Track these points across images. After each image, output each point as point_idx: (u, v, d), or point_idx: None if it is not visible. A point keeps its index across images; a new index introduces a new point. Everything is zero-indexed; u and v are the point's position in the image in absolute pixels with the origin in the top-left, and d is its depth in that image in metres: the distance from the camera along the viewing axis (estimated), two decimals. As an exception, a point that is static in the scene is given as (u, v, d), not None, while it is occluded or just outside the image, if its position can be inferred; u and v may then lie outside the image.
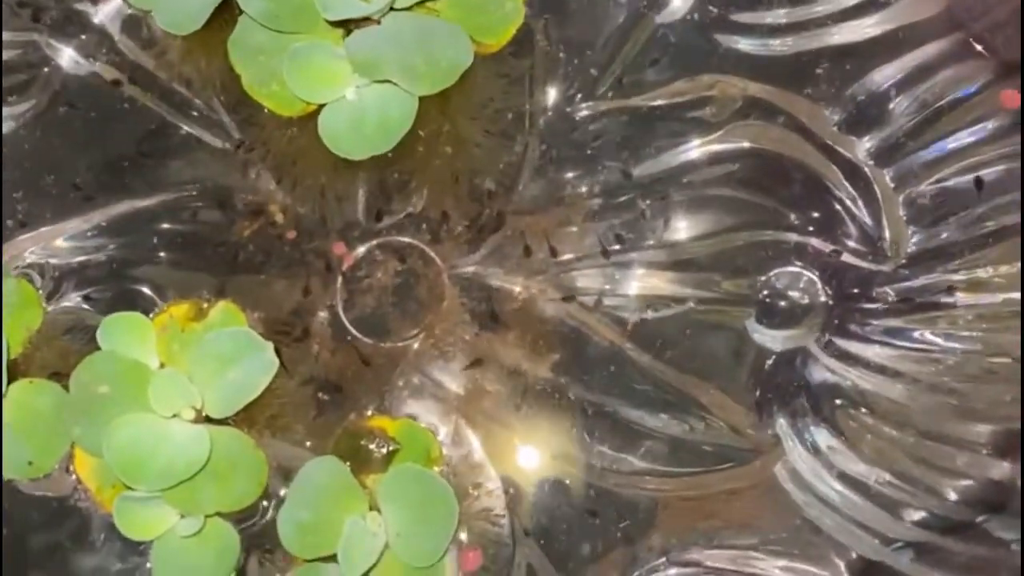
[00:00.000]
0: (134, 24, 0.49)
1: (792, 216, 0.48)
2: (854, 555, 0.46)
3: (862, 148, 0.48)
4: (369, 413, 0.47)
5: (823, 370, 0.47)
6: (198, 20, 0.46)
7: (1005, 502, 0.45)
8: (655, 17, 0.49)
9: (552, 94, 0.48)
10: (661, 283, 0.48)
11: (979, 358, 0.46)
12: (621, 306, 0.47)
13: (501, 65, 0.48)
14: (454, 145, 0.48)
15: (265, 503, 0.46)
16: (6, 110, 0.48)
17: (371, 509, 0.45)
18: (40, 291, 0.47)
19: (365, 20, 0.46)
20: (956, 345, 0.47)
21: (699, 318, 0.47)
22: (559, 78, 0.48)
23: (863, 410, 0.47)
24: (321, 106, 0.46)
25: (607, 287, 0.48)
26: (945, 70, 0.48)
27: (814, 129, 0.48)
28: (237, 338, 0.45)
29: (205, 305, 0.46)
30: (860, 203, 0.47)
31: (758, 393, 0.47)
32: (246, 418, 0.45)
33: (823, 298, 0.47)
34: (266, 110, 0.47)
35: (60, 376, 0.45)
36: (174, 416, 0.44)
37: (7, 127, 0.48)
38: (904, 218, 0.47)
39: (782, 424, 0.47)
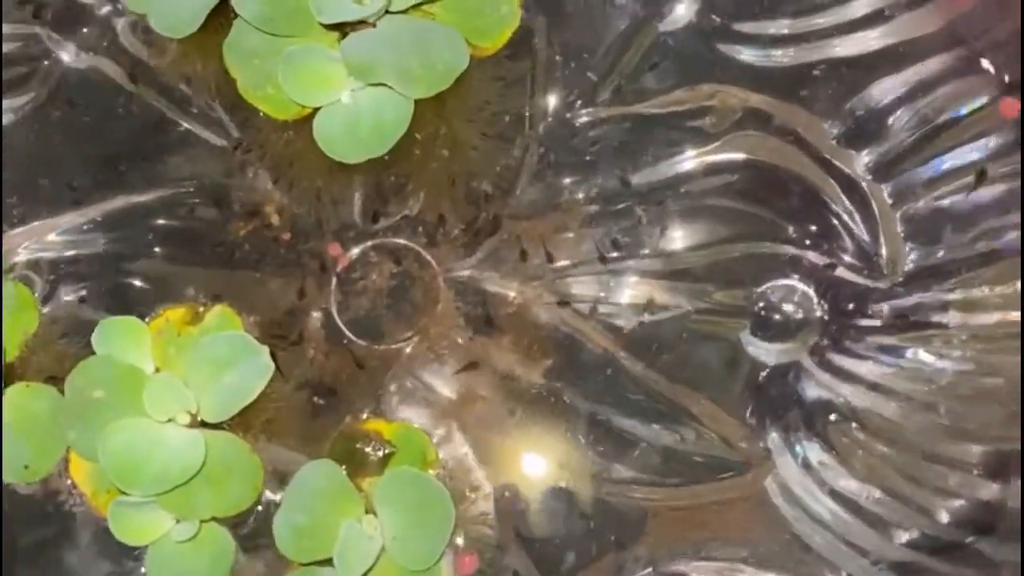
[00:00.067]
0: (136, 19, 0.48)
1: (789, 229, 0.47)
2: (844, 574, 0.45)
3: (861, 162, 0.47)
4: (364, 416, 0.46)
5: (816, 385, 0.47)
6: (193, 23, 0.45)
7: (995, 523, 0.45)
8: (658, 25, 0.48)
9: (552, 99, 0.48)
10: (657, 292, 0.47)
11: (972, 378, 0.46)
12: (616, 314, 0.47)
13: (497, 68, 0.48)
14: (450, 148, 0.48)
15: (261, 507, 0.45)
16: (4, 103, 0.48)
17: (367, 512, 0.44)
18: (36, 293, 0.46)
19: (360, 23, 0.45)
20: (949, 365, 0.46)
21: (694, 328, 0.47)
22: (560, 83, 0.48)
23: (855, 426, 0.46)
24: (316, 109, 0.46)
25: (602, 294, 0.47)
26: (945, 86, 0.47)
27: (813, 142, 0.47)
28: (233, 342, 0.44)
29: (201, 309, 0.46)
30: (857, 218, 0.47)
31: (751, 406, 0.47)
32: (241, 422, 0.45)
33: (818, 313, 0.47)
34: (261, 113, 0.47)
35: (56, 380, 0.44)
36: (169, 421, 0.43)
37: (5, 120, 0.48)
38: (902, 235, 0.47)
39: (774, 438, 0.46)
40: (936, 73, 0.47)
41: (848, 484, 0.46)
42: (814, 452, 0.46)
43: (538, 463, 0.46)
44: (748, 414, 0.46)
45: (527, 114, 0.48)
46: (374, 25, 0.45)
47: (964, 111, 0.47)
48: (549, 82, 0.48)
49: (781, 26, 0.48)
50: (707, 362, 0.47)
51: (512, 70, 0.48)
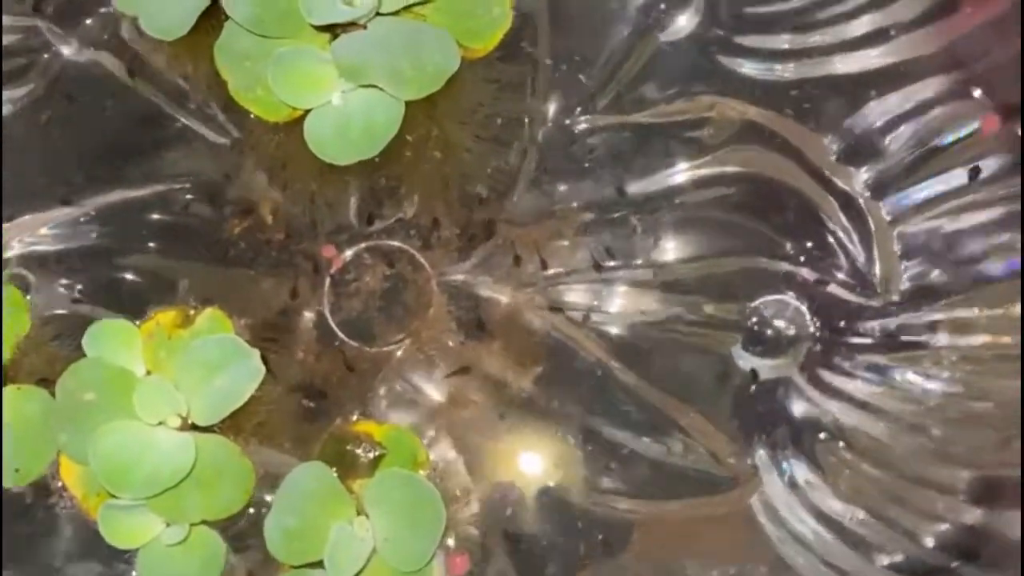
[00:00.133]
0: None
1: (784, 244, 0.47)
2: None
3: (859, 180, 0.47)
4: (355, 418, 0.46)
5: (806, 402, 0.46)
6: (184, 26, 0.45)
7: (980, 549, 0.45)
8: (659, 35, 0.47)
9: (552, 105, 0.47)
10: (650, 302, 0.47)
11: (961, 401, 0.45)
12: (608, 323, 0.47)
13: (489, 70, 0.47)
14: (443, 150, 0.47)
15: (252, 510, 0.45)
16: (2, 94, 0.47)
17: (358, 514, 0.44)
18: (29, 290, 0.46)
19: (351, 25, 0.44)
20: (938, 386, 0.46)
21: (686, 341, 0.46)
22: (560, 90, 0.47)
23: (843, 445, 0.46)
24: (307, 111, 0.45)
25: (595, 303, 0.47)
26: (944, 107, 0.47)
27: (811, 157, 0.47)
28: (223, 345, 0.44)
29: (192, 312, 0.45)
30: (854, 235, 0.46)
31: (739, 421, 0.46)
32: (232, 425, 0.44)
33: (810, 329, 0.46)
34: (253, 115, 0.46)
35: (48, 382, 0.44)
36: (160, 424, 0.43)
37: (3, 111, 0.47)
38: (898, 254, 0.46)
39: (761, 455, 0.46)
40: (935, 94, 0.47)
41: (833, 504, 0.46)
42: (801, 471, 0.46)
43: (526, 469, 0.46)
44: (737, 429, 0.46)
45: (526, 120, 0.47)
46: (365, 27, 0.45)
47: (962, 133, 0.46)
48: (549, 88, 0.47)
49: (782, 41, 0.47)
50: (698, 375, 0.46)
51: (504, 72, 0.47)
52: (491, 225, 0.47)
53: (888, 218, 0.46)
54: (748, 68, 0.47)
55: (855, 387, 0.46)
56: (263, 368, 0.44)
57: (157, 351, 0.44)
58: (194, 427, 0.44)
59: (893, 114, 0.47)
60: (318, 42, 0.45)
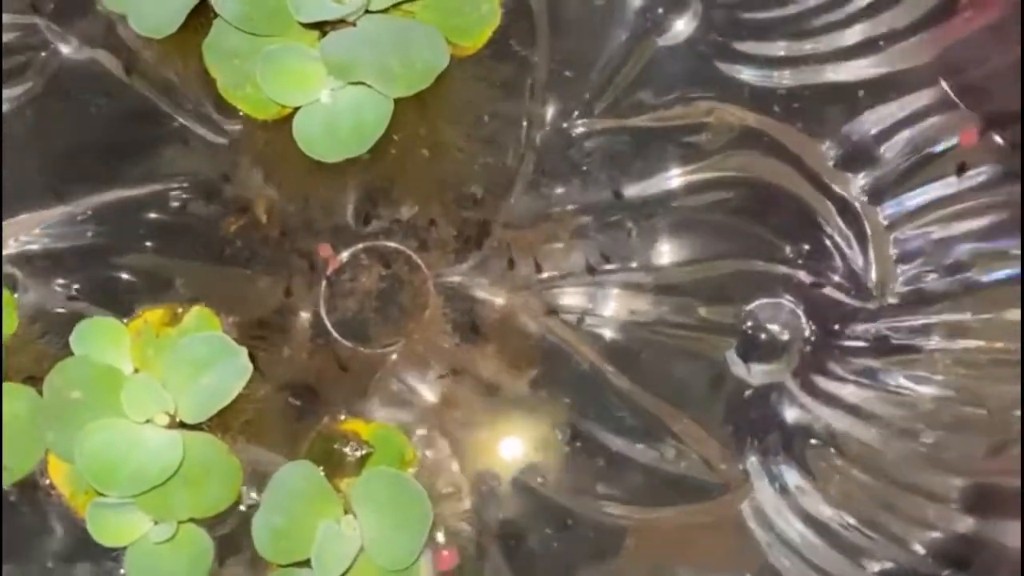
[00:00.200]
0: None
1: (780, 248, 0.46)
2: None
3: (856, 185, 0.46)
4: (342, 417, 0.45)
5: (798, 408, 0.45)
6: (173, 24, 0.44)
7: (972, 557, 0.44)
8: (657, 39, 0.47)
9: (550, 109, 0.46)
10: (645, 306, 0.46)
11: (953, 406, 0.45)
12: (603, 326, 0.46)
13: (479, 68, 0.46)
14: (436, 150, 0.46)
15: (240, 508, 0.44)
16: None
17: (345, 513, 0.43)
18: (20, 289, 0.46)
19: (340, 22, 0.44)
20: (931, 390, 0.45)
21: (680, 345, 0.46)
22: (557, 93, 0.46)
23: (834, 451, 0.45)
24: (296, 109, 0.44)
25: (590, 306, 0.46)
26: (938, 115, 0.46)
27: (809, 163, 0.46)
28: (211, 343, 0.43)
29: (180, 310, 0.45)
30: (851, 240, 0.46)
31: (732, 427, 0.45)
32: (220, 423, 0.44)
33: (805, 333, 0.45)
34: (242, 113, 0.46)
35: (35, 380, 0.43)
36: (147, 422, 0.42)
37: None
38: (893, 258, 0.45)
39: (753, 461, 0.45)
40: (929, 103, 0.46)
41: (824, 510, 0.45)
42: (792, 476, 0.45)
43: (518, 472, 0.45)
44: (729, 435, 0.45)
45: (524, 123, 0.46)
46: (354, 24, 0.44)
47: (955, 141, 0.46)
48: (547, 91, 0.46)
49: (778, 48, 0.47)
50: (691, 380, 0.46)
51: (495, 70, 0.46)
52: (488, 227, 0.46)
53: (884, 223, 0.46)
54: (747, 74, 0.47)
55: (848, 392, 0.45)
56: (251, 366, 0.43)
57: (145, 349, 0.43)
58: (182, 425, 0.43)
59: (889, 121, 0.46)
60: (307, 40, 0.44)
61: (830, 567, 0.45)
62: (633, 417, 0.45)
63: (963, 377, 0.45)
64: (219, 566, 0.44)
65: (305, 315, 0.46)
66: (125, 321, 0.45)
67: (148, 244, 0.46)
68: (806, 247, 0.46)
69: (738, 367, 0.46)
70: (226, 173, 0.47)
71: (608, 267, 0.46)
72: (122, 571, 0.44)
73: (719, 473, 0.45)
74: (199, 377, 0.43)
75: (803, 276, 0.46)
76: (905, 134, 0.46)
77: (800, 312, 0.46)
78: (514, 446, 0.46)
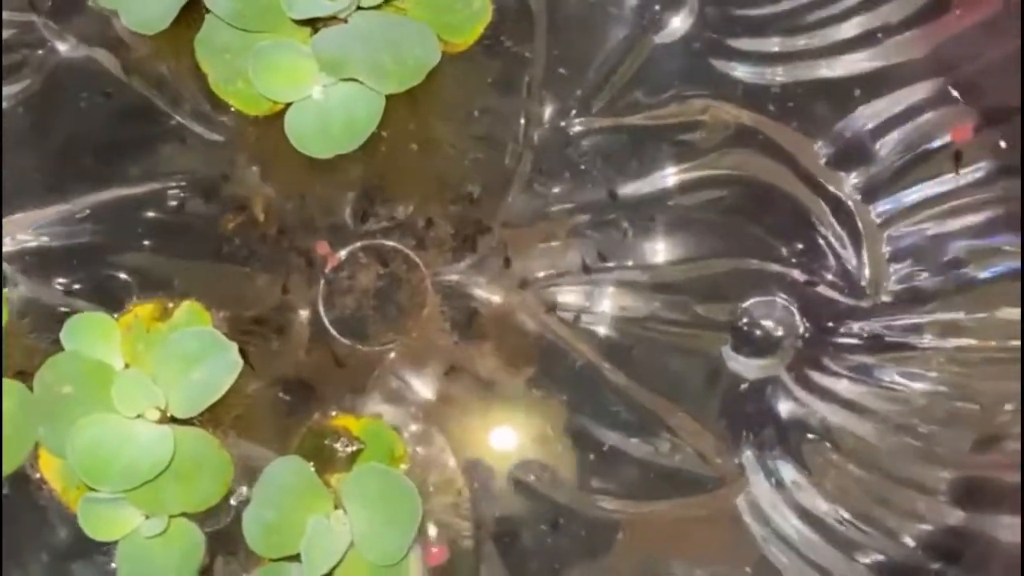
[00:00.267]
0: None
1: (774, 246, 0.45)
2: None
3: (849, 183, 0.45)
4: (333, 413, 0.44)
5: (793, 403, 0.45)
6: (164, 20, 0.44)
7: (964, 550, 0.43)
8: (653, 37, 0.46)
9: (548, 107, 0.46)
10: (640, 304, 0.45)
11: (946, 401, 0.44)
12: (599, 323, 0.45)
13: (470, 65, 0.45)
14: (429, 147, 0.45)
15: (232, 503, 0.44)
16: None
17: (335, 508, 0.43)
18: (7, 286, 0.45)
19: (332, 19, 0.43)
20: (924, 386, 0.44)
21: (675, 342, 0.45)
22: (555, 92, 0.46)
23: (829, 446, 0.44)
24: (288, 105, 0.44)
25: (586, 304, 0.45)
26: (932, 112, 0.45)
27: (803, 161, 0.45)
28: (201, 338, 0.42)
29: (170, 305, 0.44)
30: (844, 238, 0.45)
31: (727, 421, 0.45)
32: (211, 418, 0.43)
33: (799, 330, 0.45)
34: (233, 108, 0.45)
35: (25, 375, 0.43)
36: (138, 417, 0.42)
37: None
38: (887, 256, 0.45)
39: (748, 455, 0.44)
40: (923, 99, 0.45)
41: (819, 504, 0.44)
42: (787, 471, 0.44)
43: (513, 468, 0.45)
44: (724, 429, 0.44)
45: (522, 121, 0.46)
46: (345, 20, 0.43)
47: (949, 137, 0.45)
48: (544, 90, 0.46)
49: (772, 44, 0.46)
50: (687, 375, 0.45)
51: (486, 67, 0.46)
52: (485, 226, 0.46)
53: (877, 221, 0.45)
54: (741, 71, 0.46)
55: (842, 388, 0.44)
56: (241, 361, 0.42)
57: (135, 344, 0.43)
58: (173, 420, 0.42)
59: (883, 118, 0.45)
60: (298, 36, 0.44)
61: (825, 561, 0.44)
62: (629, 412, 0.45)
63: (956, 375, 0.44)
64: (210, 560, 0.44)
65: (303, 313, 0.45)
66: (115, 316, 0.44)
67: (146, 243, 0.46)
68: (800, 246, 0.45)
69: (733, 363, 0.45)
70: (223, 171, 0.46)
71: (604, 265, 0.45)
72: (113, 565, 0.43)
73: (715, 467, 0.44)
74: (189, 372, 0.42)
75: (797, 275, 0.45)
76: (899, 131, 0.45)
77: (794, 309, 0.45)
78: (510, 442, 0.45)
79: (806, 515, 0.44)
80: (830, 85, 0.46)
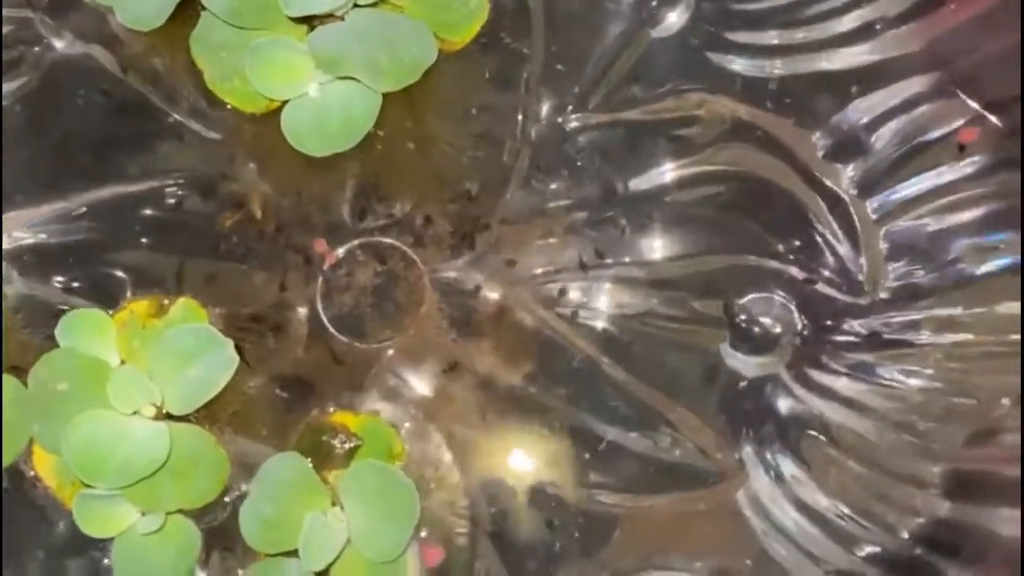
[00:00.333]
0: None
1: (772, 242, 0.44)
2: None
3: (846, 177, 0.44)
4: (331, 409, 0.44)
5: (792, 399, 0.44)
6: (160, 16, 0.43)
7: (962, 544, 0.42)
8: (650, 31, 0.45)
9: (545, 103, 0.45)
10: (638, 301, 0.44)
11: (943, 397, 0.43)
12: (597, 320, 0.44)
13: (466, 63, 0.45)
14: (426, 145, 0.45)
15: (227, 499, 0.43)
16: (-2, 87, 0.45)
17: (333, 505, 0.42)
18: (8, 282, 0.44)
19: (328, 16, 0.42)
20: (922, 383, 0.44)
21: (674, 338, 0.44)
22: (552, 88, 0.45)
23: (829, 442, 0.44)
24: (284, 102, 0.43)
25: (584, 300, 0.44)
26: (929, 105, 0.44)
27: (800, 155, 0.45)
28: (197, 335, 0.42)
29: (166, 302, 0.43)
30: (841, 234, 0.44)
31: (727, 417, 0.44)
32: (208, 415, 0.42)
33: (798, 327, 0.44)
34: (229, 106, 0.45)
35: (20, 371, 0.42)
36: (134, 413, 0.41)
37: (-2, 103, 0.46)
38: (884, 252, 0.44)
39: (748, 451, 0.44)
40: (920, 92, 0.45)
41: (819, 499, 0.43)
42: (787, 466, 0.44)
43: (512, 463, 0.44)
44: (724, 425, 0.44)
45: (520, 118, 0.45)
46: (342, 18, 0.43)
47: (947, 130, 0.44)
48: (542, 86, 0.45)
49: (770, 37, 0.45)
50: (686, 372, 0.44)
51: (482, 65, 0.45)
52: (483, 223, 0.45)
53: (874, 216, 0.44)
54: (738, 65, 0.45)
55: (841, 385, 0.44)
56: (237, 358, 0.41)
57: (131, 341, 0.42)
58: (169, 417, 0.42)
59: (877, 112, 0.45)
60: (295, 33, 0.43)
61: (825, 554, 0.43)
62: (628, 407, 0.44)
63: (954, 371, 0.43)
64: (206, 556, 0.43)
65: (301, 310, 0.45)
66: (111, 313, 0.43)
67: (143, 240, 0.45)
68: (797, 242, 0.45)
69: (732, 360, 0.44)
70: (221, 169, 0.45)
71: (602, 262, 0.45)
72: (108, 562, 0.43)
73: (715, 462, 0.44)
74: (186, 369, 0.41)
75: (795, 272, 0.44)
76: (895, 123, 0.45)
77: (792, 307, 0.44)
78: (508, 439, 0.44)
79: (806, 509, 0.44)
80: (828, 78, 0.45)
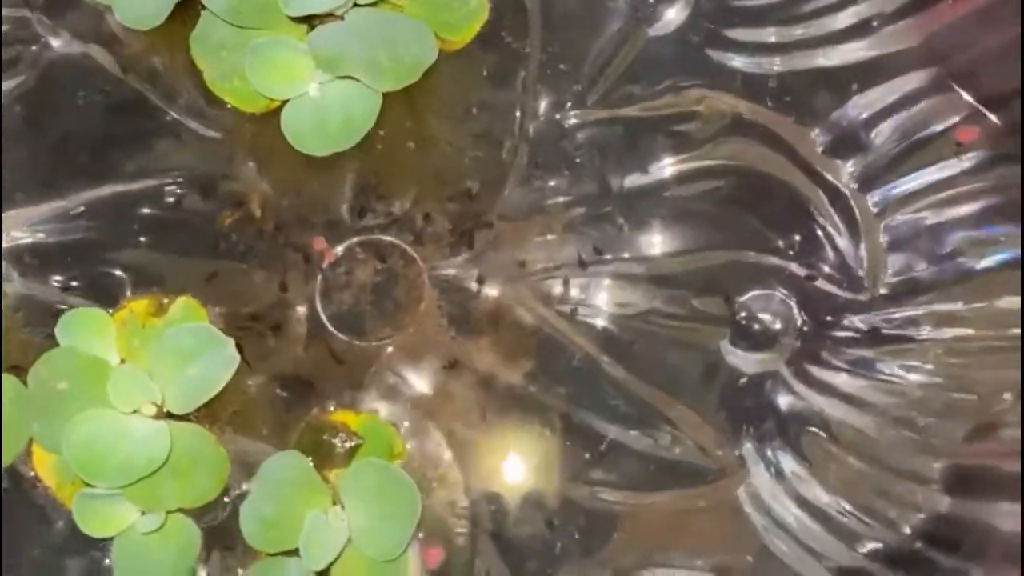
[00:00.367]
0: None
1: (772, 238, 0.44)
2: None
3: (846, 172, 0.44)
4: (332, 408, 0.43)
5: (793, 396, 0.44)
6: (159, 16, 0.43)
7: (962, 539, 0.42)
8: (648, 29, 0.45)
9: (543, 100, 0.45)
10: (637, 297, 0.44)
11: (943, 393, 0.43)
12: (597, 317, 0.44)
13: (467, 62, 0.44)
14: (426, 144, 0.45)
15: (227, 499, 0.42)
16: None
17: (334, 504, 0.42)
18: (8, 281, 0.44)
19: (328, 16, 0.42)
20: (922, 379, 0.43)
21: (674, 335, 0.44)
22: (550, 85, 0.45)
23: (829, 438, 0.43)
24: (284, 102, 0.43)
25: (583, 297, 0.44)
26: (928, 100, 0.44)
27: (799, 151, 0.44)
28: (197, 334, 0.41)
29: (165, 300, 0.43)
30: (841, 229, 0.44)
31: (727, 414, 0.44)
32: (208, 414, 0.42)
33: (798, 323, 0.44)
34: (229, 105, 0.44)
35: (19, 370, 0.42)
36: (134, 412, 0.41)
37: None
38: (884, 246, 0.44)
39: (748, 447, 0.43)
40: (919, 87, 0.45)
41: (819, 495, 0.43)
42: (787, 463, 0.43)
43: (512, 462, 0.44)
44: (724, 422, 0.44)
45: (517, 114, 0.45)
46: (342, 18, 0.42)
47: (946, 125, 0.44)
48: (540, 83, 0.45)
49: (769, 34, 0.45)
50: (686, 369, 0.44)
51: (484, 65, 0.45)
52: (482, 220, 0.45)
53: (874, 211, 0.44)
54: (738, 62, 0.45)
55: (841, 381, 0.44)
56: (238, 357, 0.41)
57: (131, 340, 0.42)
58: (169, 416, 0.41)
59: (877, 108, 0.45)
60: (295, 33, 0.43)
61: (826, 550, 0.43)
62: (628, 405, 0.44)
63: (955, 366, 0.43)
64: (207, 556, 0.43)
65: (300, 309, 0.44)
66: (111, 312, 0.43)
67: (142, 239, 0.45)
68: (797, 237, 0.44)
69: (732, 356, 0.44)
70: (220, 168, 0.45)
71: (601, 258, 0.45)
72: (108, 562, 0.42)
73: (715, 459, 0.43)
74: (186, 368, 0.41)
75: (795, 268, 0.44)
76: (894, 119, 0.45)
77: (792, 303, 0.44)
78: (509, 437, 0.44)
79: (807, 505, 0.43)
80: (827, 74, 0.45)
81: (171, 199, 0.45)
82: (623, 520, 0.43)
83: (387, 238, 0.45)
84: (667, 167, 0.45)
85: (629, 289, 0.44)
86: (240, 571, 0.43)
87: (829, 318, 0.44)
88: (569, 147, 0.45)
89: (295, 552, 0.41)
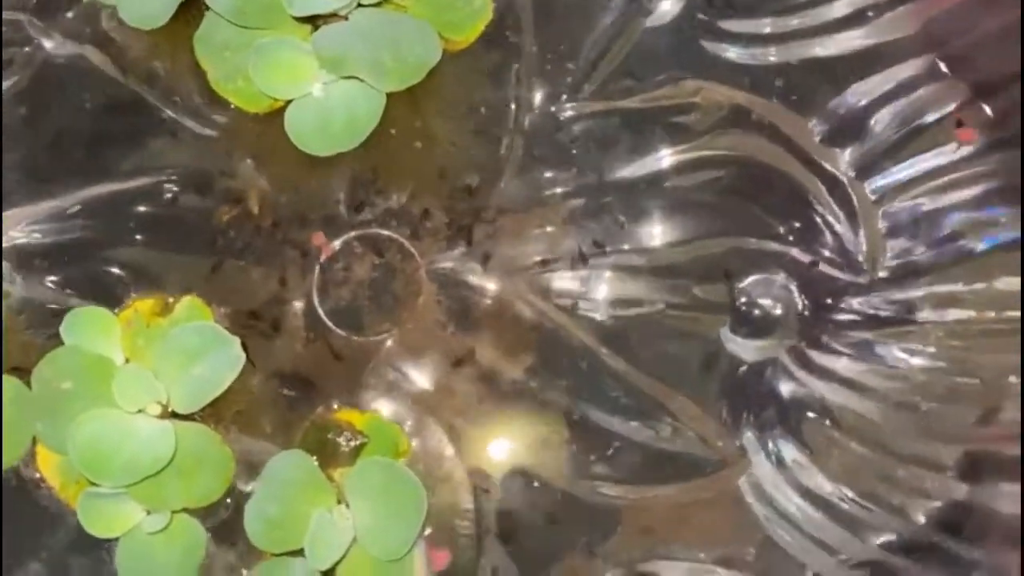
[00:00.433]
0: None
1: (771, 225, 0.44)
2: (810, 574, 0.43)
3: (844, 160, 0.44)
4: (336, 407, 0.43)
5: (793, 382, 0.44)
6: (164, 15, 0.42)
7: (965, 524, 0.42)
8: (644, 20, 0.45)
9: (538, 93, 0.45)
10: (637, 288, 0.44)
11: (946, 377, 0.43)
12: (596, 309, 0.44)
13: (471, 62, 0.44)
14: (428, 143, 0.44)
15: (230, 499, 0.42)
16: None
17: (339, 503, 0.41)
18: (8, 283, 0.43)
19: (332, 16, 0.42)
20: (924, 362, 0.43)
21: (674, 325, 0.44)
22: (545, 77, 0.45)
23: (830, 425, 0.43)
24: (288, 102, 0.43)
25: (583, 290, 0.44)
26: (925, 87, 0.44)
27: (797, 139, 0.44)
28: (203, 333, 0.41)
29: (171, 300, 0.42)
30: (840, 215, 0.44)
31: (728, 403, 0.43)
32: (213, 413, 0.42)
33: (798, 308, 0.44)
34: (233, 105, 0.44)
35: (22, 372, 0.41)
36: (139, 412, 0.40)
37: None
38: (883, 232, 0.44)
39: (750, 436, 0.43)
40: (915, 75, 0.45)
41: (822, 483, 0.43)
42: (789, 451, 0.43)
43: (514, 457, 0.43)
44: (725, 412, 0.43)
45: (512, 107, 0.45)
46: (346, 18, 0.42)
47: (943, 112, 0.44)
48: (535, 75, 0.45)
49: (764, 25, 0.45)
50: (686, 359, 0.44)
51: (487, 64, 0.45)
52: (480, 214, 0.44)
53: (873, 197, 0.44)
54: (733, 52, 0.45)
55: (842, 366, 0.43)
56: (243, 356, 0.41)
57: (135, 339, 0.41)
58: (174, 415, 0.41)
59: (874, 95, 0.45)
60: (299, 33, 0.43)
61: (830, 539, 0.43)
62: (629, 397, 0.44)
63: (955, 348, 0.43)
64: (212, 556, 0.42)
65: (298, 305, 0.44)
66: (115, 311, 0.42)
67: (139, 237, 0.44)
68: (797, 224, 0.44)
69: (732, 344, 0.44)
70: (217, 165, 0.45)
71: (600, 250, 0.44)
72: (113, 563, 0.42)
73: (716, 450, 0.43)
74: (191, 367, 0.40)
75: (795, 253, 0.44)
76: (892, 107, 0.45)
77: (793, 288, 0.44)
78: (510, 431, 0.44)
79: (808, 494, 0.43)
80: (823, 64, 0.45)
81: (168, 196, 0.44)
82: (625, 513, 0.43)
83: (385, 232, 0.44)
84: (666, 158, 0.45)
85: (629, 280, 0.44)
86: (244, 571, 0.42)
87: (829, 301, 0.44)
88: (565, 139, 0.45)
89: (300, 552, 0.40)
